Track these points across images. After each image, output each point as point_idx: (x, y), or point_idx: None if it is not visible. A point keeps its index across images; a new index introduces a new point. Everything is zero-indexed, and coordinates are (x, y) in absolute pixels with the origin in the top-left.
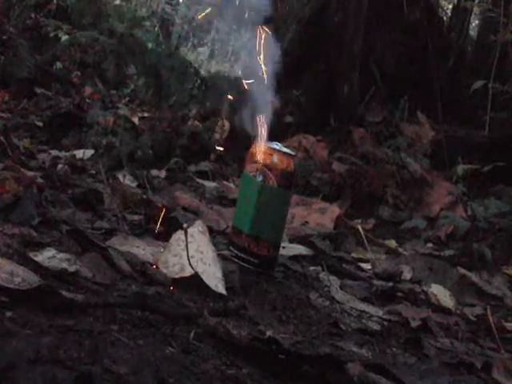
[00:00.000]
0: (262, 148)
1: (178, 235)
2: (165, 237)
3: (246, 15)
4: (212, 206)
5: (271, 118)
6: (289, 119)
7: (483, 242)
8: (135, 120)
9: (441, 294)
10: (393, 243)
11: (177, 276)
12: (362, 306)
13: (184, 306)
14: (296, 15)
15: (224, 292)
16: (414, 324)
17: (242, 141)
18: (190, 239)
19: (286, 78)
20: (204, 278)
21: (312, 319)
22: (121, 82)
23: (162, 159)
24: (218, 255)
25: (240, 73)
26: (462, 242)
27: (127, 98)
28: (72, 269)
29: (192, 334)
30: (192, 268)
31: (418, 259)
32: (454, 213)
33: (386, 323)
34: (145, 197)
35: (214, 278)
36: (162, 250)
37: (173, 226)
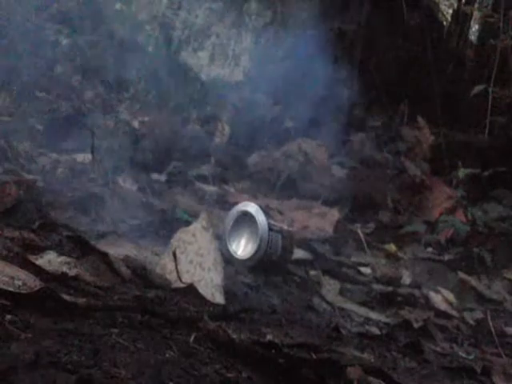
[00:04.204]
0: None
1: (178, 235)
2: (165, 239)
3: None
4: (212, 210)
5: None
6: (289, 124)
7: (483, 247)
8: (135, 124)
9: (441, 297)
10: (392, 247)
11: (173, 286)
12: (362, 311)
13: (184, 309)
14: (296, 19)
15: (221, 301)
16: (416, 325)
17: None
18: (191, 239)
19: (286, 83)
20: (200, 288)
21: (312, 323)
22: (121, 85)
23: (162, 163)
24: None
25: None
26: (462, 246)
27: (127, 102)
28: (72, 272)
29: (192, 338)
30: (183, 283)
31: (417, 263)
32: (453, 217)
33: (386, 327)
34: (145, 200)
35: (211, 287)
36: (162, 253)
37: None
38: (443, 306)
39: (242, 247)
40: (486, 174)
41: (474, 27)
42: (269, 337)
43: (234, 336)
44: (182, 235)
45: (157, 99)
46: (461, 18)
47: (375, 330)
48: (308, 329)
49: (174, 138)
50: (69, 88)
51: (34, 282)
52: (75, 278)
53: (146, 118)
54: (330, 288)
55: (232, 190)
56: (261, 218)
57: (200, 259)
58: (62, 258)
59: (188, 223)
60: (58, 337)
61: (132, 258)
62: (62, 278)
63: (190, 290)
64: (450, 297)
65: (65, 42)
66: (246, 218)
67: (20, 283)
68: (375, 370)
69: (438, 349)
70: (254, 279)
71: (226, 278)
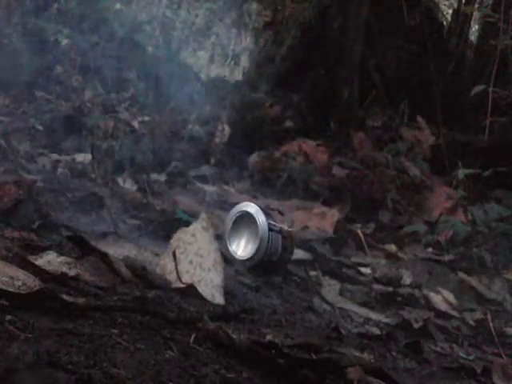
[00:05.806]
0: None
1: (178, 236)
2: (165, 239)
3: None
4: (212, 211)
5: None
6: (289, 124)
7: (483, 247)
8: (135, 124)
9: (441, 298)
10: (393, 248)
11: (173, 286)
12: (362, 311)
13: (184, 309)
14: (296, 20)
15: (221, 301)
16: (416, 326)
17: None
18: (191, 239)
19: (286, 83)
20: (200, 288)
21: (312, 324)
22: (121, 86)
23: (162, 163)
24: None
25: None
26: (462, 246)
27: (127, 102)
28: (72, 272)
29: (192, 338)
30: (183, 283)
31: (417, 264)
32: (453, 217)
33: (386, 327)
34: (145, 201)
35: (211, 287)
36: (162, 253)
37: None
38: (443, 307)
39: (242, 247)
40: (485, 174)
41: (474, 27)
42: (269, 337)
43: (234, 336)
44: (181, 235)
45: (157, 99)
46: (461, 18)
47: (375, 330)
48: (308, 329)
49: (174, 138)
50: (69, 88)
51: (33, 282)
52: (75, 278)
53: (146, 118)
54: (330, 288)
55: (232, 190)
56: (261, 218)
57: (200, 259)
58: (62, 258)
59: (188, 223)
60: (58, 337)
61: (132, 258)
62: (61, 278)
63: (190, 290)
64: (450, 297)
65: (65, 42)
66: (246, 218)
67: (20, 283)
68: (375, 370)
69: (438, 349)
70: (254, 279)
71: (226, 278)
